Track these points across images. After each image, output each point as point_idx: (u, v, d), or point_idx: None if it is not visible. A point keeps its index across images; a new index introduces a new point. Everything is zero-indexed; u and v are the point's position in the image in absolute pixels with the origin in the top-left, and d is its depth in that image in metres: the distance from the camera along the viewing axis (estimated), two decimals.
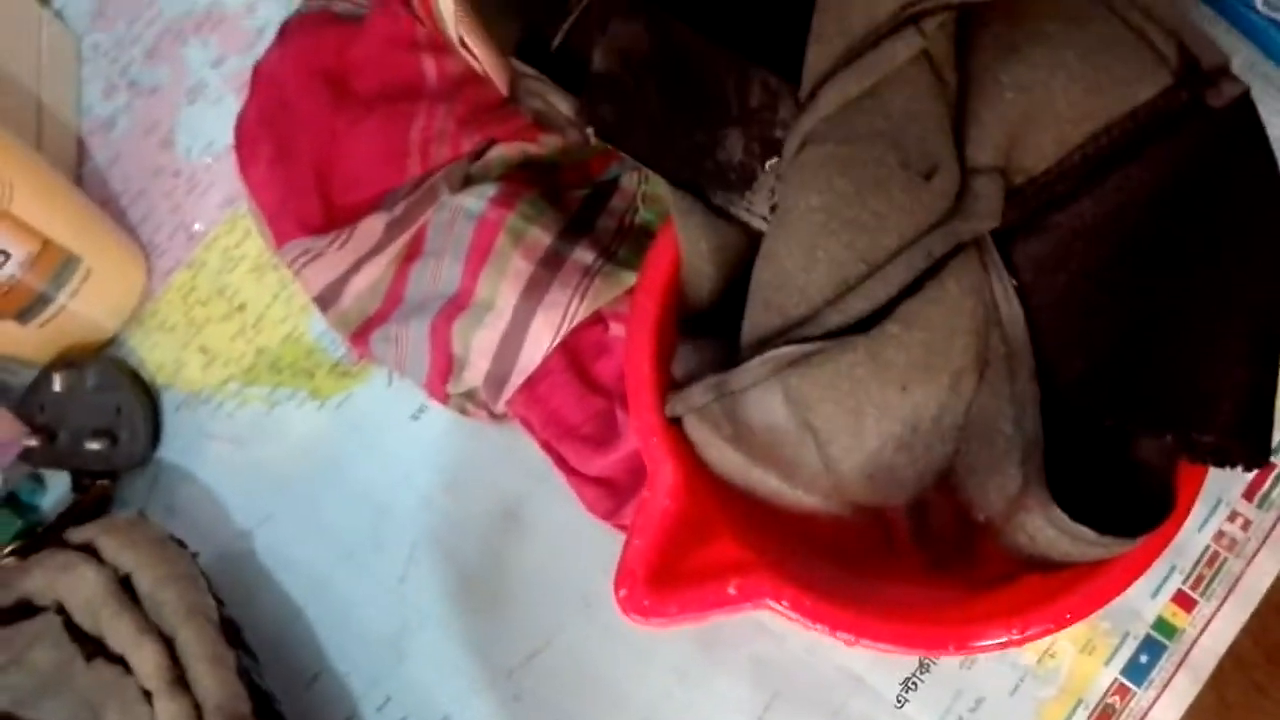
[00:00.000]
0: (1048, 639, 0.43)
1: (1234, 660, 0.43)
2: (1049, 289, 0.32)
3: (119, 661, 0.38)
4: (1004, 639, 0.28)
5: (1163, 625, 0.43)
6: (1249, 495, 0.44)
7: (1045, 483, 0.29)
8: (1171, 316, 0.30)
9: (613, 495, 0.46)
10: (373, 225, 0.49)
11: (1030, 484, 0.30)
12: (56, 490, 0.51)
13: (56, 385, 0.48)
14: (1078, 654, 0.43)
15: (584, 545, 0.47)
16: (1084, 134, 0.32)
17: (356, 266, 0.49)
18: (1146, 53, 0.32)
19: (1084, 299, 0.31)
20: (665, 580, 0.29)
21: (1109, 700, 0.43)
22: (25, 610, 0.41)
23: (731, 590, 0.29)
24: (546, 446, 0.48)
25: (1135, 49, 0.32)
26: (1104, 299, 0.31)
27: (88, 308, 0.50)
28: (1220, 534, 0.44)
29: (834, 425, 0.29)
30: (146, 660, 0.37)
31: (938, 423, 0.30)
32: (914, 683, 0.44)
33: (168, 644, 0.38)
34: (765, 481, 0.32)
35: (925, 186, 0.31)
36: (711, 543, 0.30)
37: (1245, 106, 0.33)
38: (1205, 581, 0.44)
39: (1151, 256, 0.31)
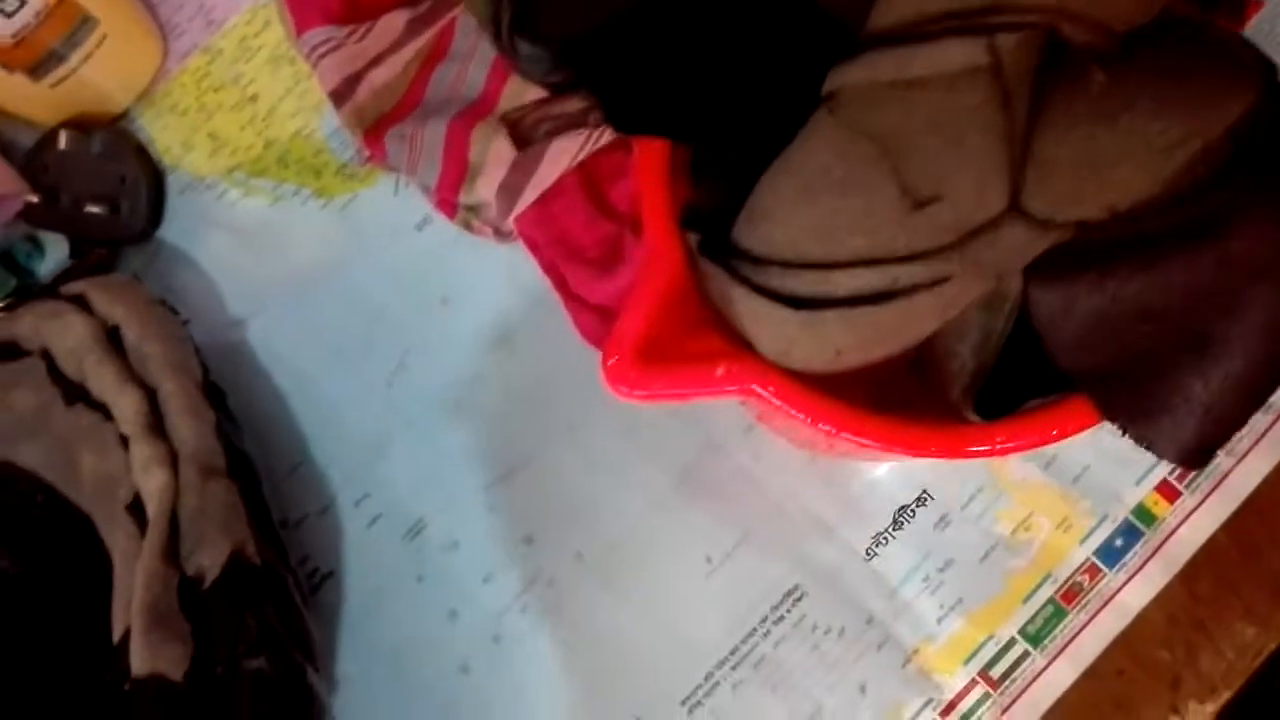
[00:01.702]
0: (1025, 509, 0.43)
1: (1208, 555, 0.43)
2: (1085, 295, 0.28)
3: (99, 408, 0.38)
4: (986, 447, 0.27)
5: (1143, 512, 0.43)
6: None
7: (973, 406, 0.29)
8: (1208, 346, 0.27)
9: (609, 324, 0.45)
10: (394, 20, 0.47)
11: (965, 400, 0.29)
12: (54, 257, 0.51)
13: (62, 144, 0.48)
14: (1053, 529, 0.43)
15: (573, 371, 0.47)
16: (1179, 162, 0.26)
17: (376, 61, 0.48)
18: (1226, 63, 0.28)
19: (1126, 316, 0.28)
20: (654, 356, 0.28)
21: (1078, 578, 0.43)
22: (10, 352, 0.41)
23: (719, 372, 0.28)
24: (550, 267, 0.47)
25: (1215, 61, 0.28)
26: (1148, 323, 0.27)
27: (100, 74, 0.49)
28: None
29: (786, 344, 0.28)
30: (126, 407, 0.37)
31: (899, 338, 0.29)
32: (885, 538, 0.44)
33: (149, 395, 0.38)
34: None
35: (914, 212, 0.27)
36: (701, 333, 0.30)
37: None
38: (1192, 475, 0.43)
39: (1213, 292, 0.27)
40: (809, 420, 0.28)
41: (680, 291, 0.30)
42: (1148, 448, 0.27)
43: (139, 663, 0.30)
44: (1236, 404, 0.26)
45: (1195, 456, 0.27)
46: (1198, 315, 0.26)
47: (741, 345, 0.29)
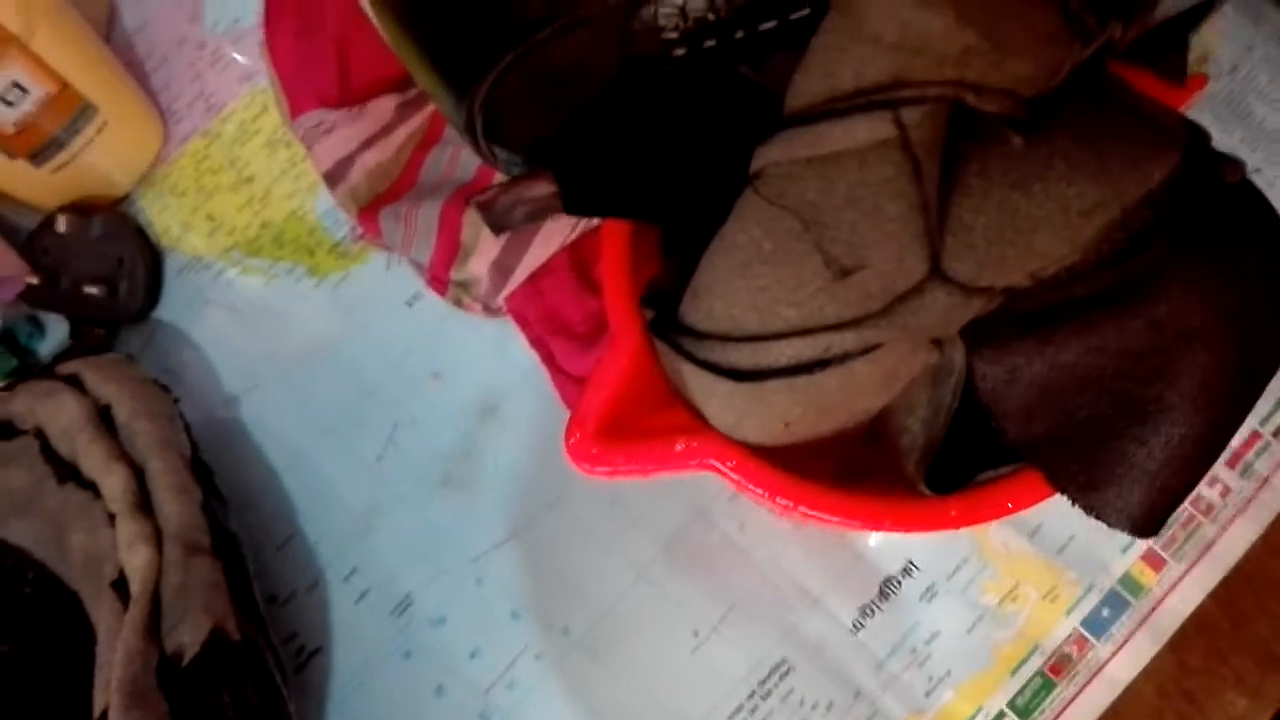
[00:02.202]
0: (1010, 579, 0.43)
1: (1197, 625, 0.42)
2: (1026, 363, 0.29)
3: (89, 486, 0.39)
4: (941, 519, 0.27)
5: (1129, 581, 0.43)
6: (1231, 463, 0.44)
7: (925, 480, 0.29)
8: (1146, 411, 0.27)
9: None
10: (384, 104, 0.49)
11: (919, 474, 0.30)
12: (55, 338, 0.52)
13: (62, 227, 0.49)
14: (1040, 600, 0.43)
15: (559, 444, 0.47)
16: (1097, 227, 0.27)
17: (368, 144, 0.49)
18: (1147, 128, 0.28)
19: (1067, 383, 0.28)
20: (615, 433, 0.29)
21: (1066, 649, 0.43)
22: (5, 431, 0.42)
23: (679, 448, 0.29)
24: (538, 342, 0.48)
25: (1137, 127, 0.28)
26: (1088, 389, 0.28)
27: (101, 159, 0.51)
28: (1198, 498, 0.43)
29: (736, 417, 0.29)
30: (114, 484, 0.38)
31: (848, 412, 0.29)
32: (871, 609, 0.44)
33: (138, 473, 0.39)
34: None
35: (839, 281, 0.28)
36: (664, 409, 0.30)
37: (1250, 186, 0.29)
38: (1178, 543, 0.43)
39: (1146, 355, 0.27)
40: (766, 495, 0.28)
41: (642, 370, 0.30)
42: (1097, 518, 0.27)
43: None
44: (1180, 470, 0.26)
45: (1145, 525, 0.27)
46: (1134, 381, 0.27)
47: (702, 422, 0.30)
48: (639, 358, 0.30)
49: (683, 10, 0.27)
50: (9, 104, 0.45)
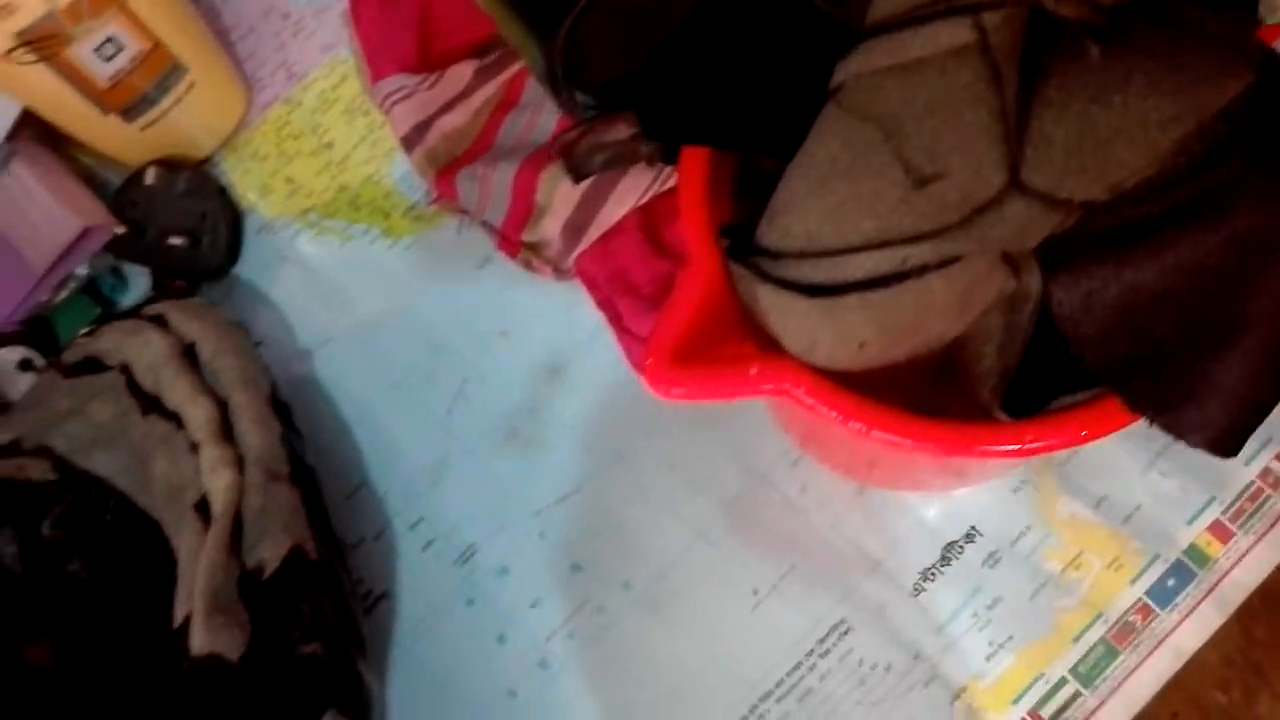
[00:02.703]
0: (1074, 548, 0.43)
1: (1264, 597, 0.42)
2: (1102, 287, 0.29)
3: (173, 418, 0.40)
4: (1015, 446, 0.28)
5: (1195, 552, 0.43)
6: None
7: (1001, 405, 0.29)
8: (1225, 328, 0.27)
9: None
10: (462, 70, 0.50)
11: (994, 399, 0.30)
12: (137, 290, 0.54)
13: (149, 181, 0.51)
14: (1104, 568, 0.43)
15: (623, 403, 0.48)
16: (1175, 140, 0.27)
17: (446, 108, 0.50)
18: (1223, 47, 0.28)
19: (1144, 303, 0.28)
20: (691, 358, 0.29)
21: (1130, 618, 0.42)
22: (92, 366, 0.43)
23: (753, 372, 0.29)
24: (606, 303, 0.49)
25: (1210, 42, 0.28)
26: (1165, 309, 0.28)
27: (188, 119, 0.53)
28: (1266, 471, 0.43)
29: (810, 338, 0.29)
30: (198, 415, 0.39)
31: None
32: (933, 573, 0.44)
33: (220, 406, 0.40)
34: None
35: (917, 192, 0.28)
36: (738, 338, 0.31)
37: None
38: (1245, 515, 0.43)
39: (1224, 272, 0.27)
40: (840, 418, 0.28)
41: (717, 299, 0.31)
42: (1177, 436, 0.27)
43: (198, 643, 0.31)
44: (1262, 385, 0.26)
45: (1226, 443, 0.27)
46: (1213, 299, 0.27)
47: (775, 349, 0.30)
48: (714, 284, 0.31)
49: None
50: (106, 59, 0.47)
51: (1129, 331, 0.27)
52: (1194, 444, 0.27)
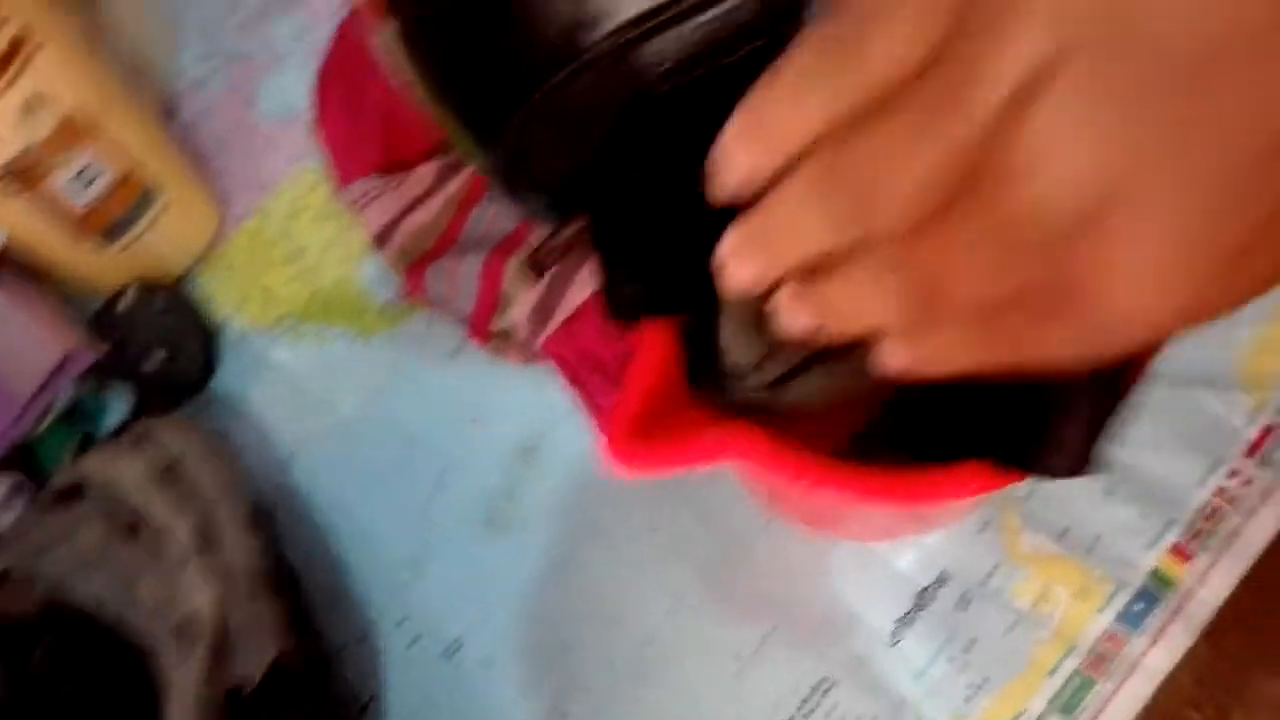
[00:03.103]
0: (1041, 581, 0.44)
1: (1232, 614, 0.43)
2: None
3: (158, 536, 0.42)
4: (959, 490, 0.29)
5: (1159, 576, 0.44)
6: (1250, 453, 0.45)
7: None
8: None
9: None
10: (426, 170, 0.53)
11: None
12: (119, 409, 0.55)
13: (126, 302, 0.53)
14: (1072, 599, 0.44)
15: (599, 478, 0.49)
16: None
17: (413, 206, 0.53)
18: None
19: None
20: (648, 432, 0.31)
21: (1102, 646, 0.43)
22: (77, 491, 0.45)
23: (707, 440, 0.31)
24: (576, 381, 0.50)
25: None
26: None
27: (162, 240, 0.55)
28: (1220, 489, 0.44)
29: None
30: (183, 529, 0.40)
31: None
32: (910, 620, 0.45)
33: (204, 519, 0.41)
34: None
35: None
36: (695, 410, 0.32)
37: None
38: (1204, 535, 0.44)
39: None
40: (796, 477, 0.30)
41: (670, 373, 0.33)
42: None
43: None
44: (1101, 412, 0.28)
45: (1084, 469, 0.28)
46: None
47: (730, 416, 0.32)
48: (665, 359, 0.32)
49: (674, 43, 0.29)
50: (84, 187, 0.49)
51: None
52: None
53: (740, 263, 0.22)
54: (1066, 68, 0.16)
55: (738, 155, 0.21)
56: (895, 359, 0.22)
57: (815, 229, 0.20)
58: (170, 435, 0.45)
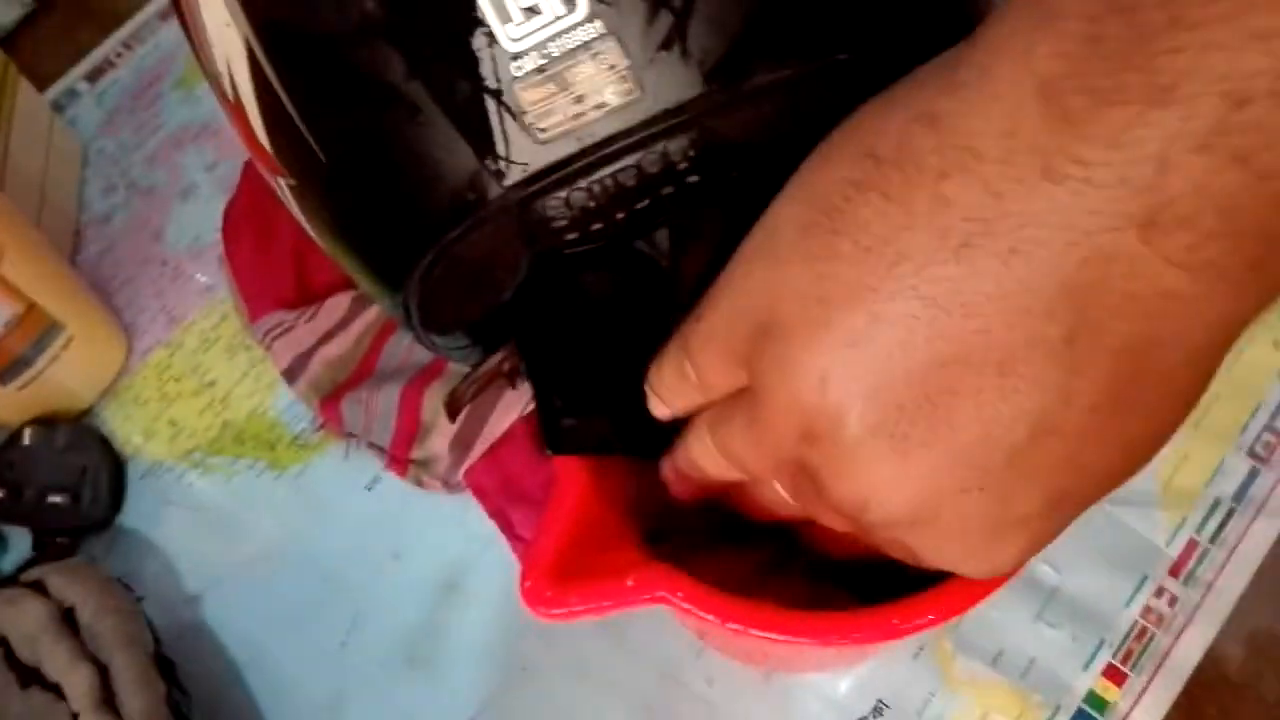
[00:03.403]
0: (980, 708, 0.44)
1: None
2: None
3: (53, 689, 0.39)
4: (886, 627, 0.28)
5: (1094, 699, 0.44)
6: (1174, 572, 0.45)
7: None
8: None
9: None
10: (340, 301, 0.52)
11: None
12: (18, 551, 0.52)
13: (26, 441, 0.50)
14: None
15: (524, 613, 0.47)
16: None
17: (327, 337, 0.52)
18: None
19: None
20: (567, 575, 0.30)
21: None
22: None
23: (629, 583, 0.30)
24: (498, 513, 0.49)
25: None
26: None
27: (66, 376, 0.53)
28: (1147, 609, 0.45)
29: None
30: (78, 684, 0.38)
31: None
32: None
33: (101, 671, 0.39)
34: None
35: None
36: (614, 549, 0.32)
37: None
38: (1135, 655, 0.44)
39: None
40: (718, 620, 0.29)
41: (587, 511, 0.32)
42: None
43: None
44: None
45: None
46: None
47: (652, 556, 0.31)
48: (583, 501, 0.32)
49: (567, 201, 0.29)
50: None
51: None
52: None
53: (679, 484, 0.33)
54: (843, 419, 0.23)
55: (658, 408, 0.30)
56: None
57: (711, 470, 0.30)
58: (67, 582, 0.43)
